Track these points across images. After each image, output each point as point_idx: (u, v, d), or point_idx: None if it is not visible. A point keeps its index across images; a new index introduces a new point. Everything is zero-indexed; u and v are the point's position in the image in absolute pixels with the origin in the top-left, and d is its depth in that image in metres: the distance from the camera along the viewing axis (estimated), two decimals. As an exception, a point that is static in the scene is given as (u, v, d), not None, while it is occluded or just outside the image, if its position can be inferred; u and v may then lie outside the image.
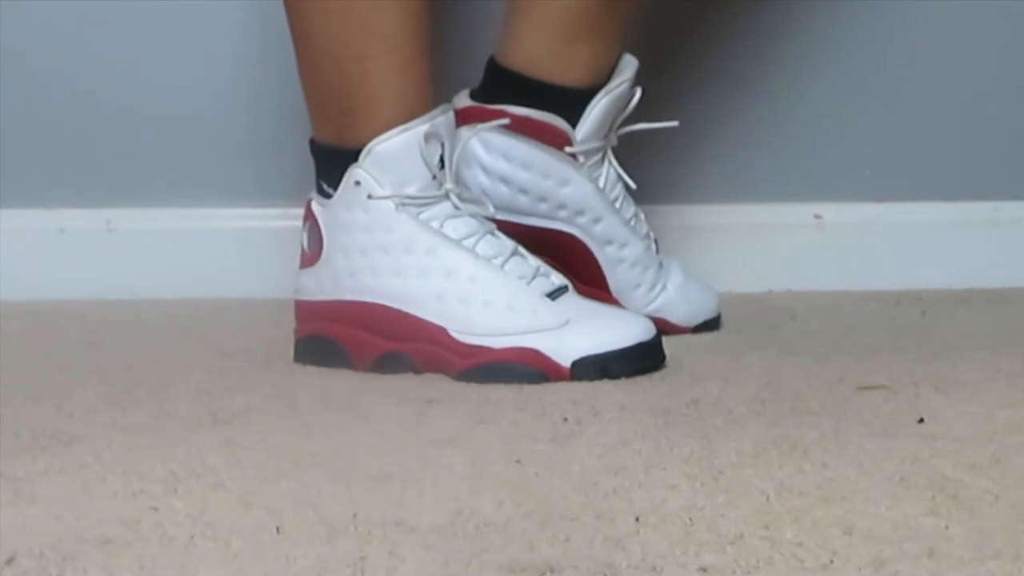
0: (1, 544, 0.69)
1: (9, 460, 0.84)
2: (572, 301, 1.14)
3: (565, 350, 1.10)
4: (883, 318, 1.37)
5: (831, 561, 0.67)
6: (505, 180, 1.26)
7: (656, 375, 1.09)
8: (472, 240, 1.14)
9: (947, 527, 0.72)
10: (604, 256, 1.28)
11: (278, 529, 0.72)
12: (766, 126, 1.58)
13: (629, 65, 1.30)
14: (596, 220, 1.28)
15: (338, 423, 0.95)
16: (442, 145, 1.15)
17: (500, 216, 1.24)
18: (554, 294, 1.14)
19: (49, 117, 1.50)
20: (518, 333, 1.11)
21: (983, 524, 0.72)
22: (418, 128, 1.14)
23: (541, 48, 1.27)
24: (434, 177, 1.14)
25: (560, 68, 1.27)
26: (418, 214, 1.14)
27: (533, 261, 1.16)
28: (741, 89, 1.57)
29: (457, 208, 1.15)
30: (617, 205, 1.29)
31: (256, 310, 1.40)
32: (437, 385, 1.07)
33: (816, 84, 1.58)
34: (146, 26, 1.50)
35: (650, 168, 1.56)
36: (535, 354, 1.10)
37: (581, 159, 1.27)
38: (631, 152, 1.55)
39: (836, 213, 1.58)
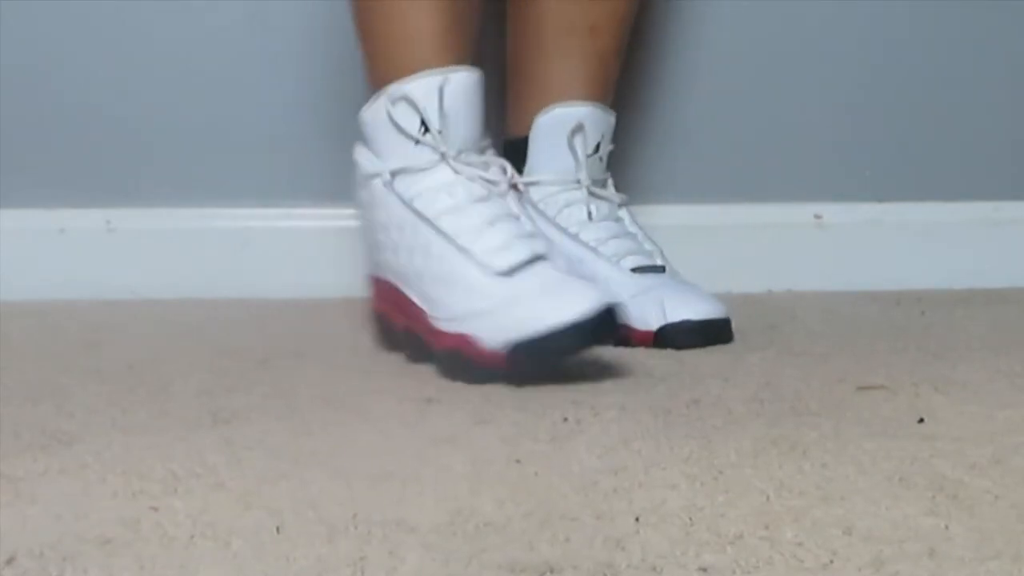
0: (1, 544, 0.69)
1: (9, 460, 0.84)
2: (533, 275, 1.08)
3: (500, 334, 1.05)
4: (883, 318, 1.37)
5: (831, 561, 0.67)
6: None
7: (656, 375, 1.09)
8: (452, 214, 1.11)
9: (947, 527, 0.72)
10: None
11: (278, 529, 0.72)
12: (766, 126, 1.58)
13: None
14: (549, 242, 1.30)
15: (338, 422, 0.95)
16: (433, 108, 1.12)
17: None
18: (517, 268, 1.08)
19: (49, 117, 1.50)
20: (456, 319, 1.08)
21: (983, 524, 0.72)
22: (382, 98, 1.13)
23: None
24: (417, 142, 1.13)
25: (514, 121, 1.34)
26: (408, 187, 1.13)
27: (527, 224, 1.12)
28: (741, 89, 1.57)
29: (456, 172, 1.13)
30: (572, 229, 1.29)
31: (256, 310, 1.40)
32: (437, 384, 1.07)
33: (816, 84, 1.58)
34: (146, 26, 1.50)
35: (650, 168, 1.56)
36: (466, 341, 1.06)
37: (521, 188, 1.31)
38: (631, 152, 1.56)
39: (836, 213, 1.58)
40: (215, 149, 1.51)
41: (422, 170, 1.13)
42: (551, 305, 1.04)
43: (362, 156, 1.16)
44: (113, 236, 1.50)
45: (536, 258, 1.09)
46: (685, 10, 1.55)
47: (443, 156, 1.13)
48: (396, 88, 1.13)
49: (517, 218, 1.13)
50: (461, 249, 1.09)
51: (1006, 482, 0.80)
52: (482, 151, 1.15)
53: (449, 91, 1.12)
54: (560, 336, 1.03)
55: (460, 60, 1.15)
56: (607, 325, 1.05)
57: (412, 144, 1.13)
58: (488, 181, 1.13)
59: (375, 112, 1.14)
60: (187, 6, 1.50)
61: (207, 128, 1.51)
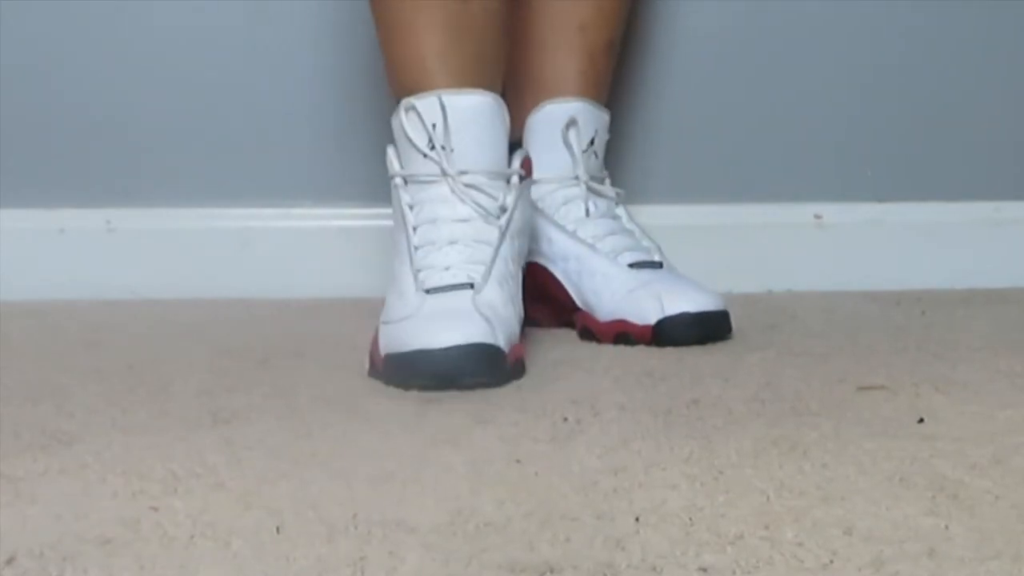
0: (1, 544, 0.69)
1: (9, 460, 0.84)
2: (445, 299, 1.09)
3: (387, 344, 1.07)
4: (883, 318, 1.37)
5: (831, 561, 0.67)
6: None
7: (656, 375, 1.09)
8: (427, 225, 1.13)
9: (947, 527, 0.72)
10: (566, 274, 1.29)
11: (278, 529, 0.71)
12: (766, 126, 1.58)
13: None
14: (548, 240, 1.30)
15: (338, 423, 0.95)
16: (439, 125, 1.14)
17: None
18: (441, 289, 1.10)
19: (49, 117, 1.50)
20: (388, 323, 1.10)
21: (983, 524, 0.72)
22: (399, 107, 1.16)
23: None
24: (424, 156, 1.15)
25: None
26: (412, 194, 1.16)
27: (486, 253, 1.12)
28: (741, 89, 1.57)
29: (453, 192, 1.14)
30: (570, 227, 1.30)
31: (256, 310, 1.40)
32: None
33: (816, 84, 1.58)
34: (146, 26, 1.50)
35: (650, 168, 1.56)
36: (375, 345, 1.09)
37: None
38: (631, 152, 1.56)
39: (836, 213, 1.58)
40: (215, 149, 1.51)
41: (426, 182, 1.15)
42: (426, 329, 1.05)
43: (389, 155, 1.18)
44: (113, 236, 1.50)
45: (467, 285, 1.10)
46: (685, 10, 1.55)
47: (444, 173, 1.15)
48: (407, 101, 1.15)
49: (486, 245, 1.13)
50: (411, 259, 1.13)
51: (1006, 482, 0.80)
52: (505, 178, 1.16)
53: (452, 110, 1.14)
54: (416, 359, 1.03)
55: (471, 82, 1.16)
56: (483, 365, 1.04)
57: (421, 156, 1.15)
58: (479, 206, 1.14)
59: (395, 119, 1.17)
60: (187, 6, 1.50)
61: (207, 128, 1.51)
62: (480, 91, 1.15)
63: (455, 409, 0.98)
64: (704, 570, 0.66)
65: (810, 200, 1.58)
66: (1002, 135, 1.60)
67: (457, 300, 1.09)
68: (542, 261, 1.30)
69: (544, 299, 1.31)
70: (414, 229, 1.14)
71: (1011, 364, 1.12)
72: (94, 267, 1.49)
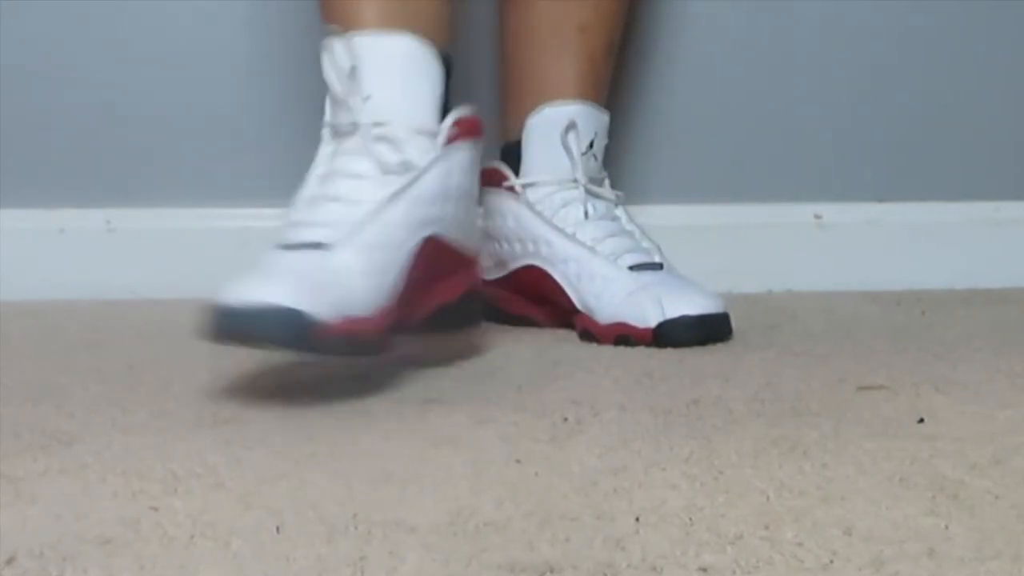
0: (1, 544, 0.69)
1: (9, 460, 0.84)
2: (277, 255, 1.01)
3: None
4: (883, 318, 1.37)
5: (831, 561, 0.67)
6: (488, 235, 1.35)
7: (656, 375, 1.09)
8: (317, 179, 1.07)
9: (947, 527, 0.72)
10: (566, 277, 1.29)
11: (278, 529, 0.71)
12: (766, 126, 1.58)
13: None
14: (547, 243, 1.30)
15: (338, 422, 0.95)
16: (350, 69, 1.05)
17: (498, 273, 1.34)
18: (290, 246, 1.02)
19: (49, 117, 1.50)
20: None
21: (983, 524, 0.72)
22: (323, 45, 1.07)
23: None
24: (338, 103, 1.07)
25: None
26: (336, 145, 1.08)
27: (337, 213, 1.04)
28: (741, 89, 1.57)
29: (362, 145, 1.06)
30: (569, 229, 1.30)
31: (256, 310, 1.40)
32: (437, 385, 1.07)
33: (816, 84, 1.58)
34: (146, 26, 1.50)
35: (650, 168, 1.56)
36: None
37: (518, 190, 1.33)
38: (630, 153, 1.56)
39: (836, 213, 1.58)
40: (215, 149, 1.51)
41: (344, 133, 1.07)
42: (234, 285, 0.97)
43: (326, 102, 1.09)
44: (113, 236, 1.50)
45: (315, 245, 1.01)
46: (685, 9, 1.55)
47: (355, 123, 1.06)
48: (326, 41, 1.06)
49: (368, 204, 1.03)
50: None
51: (1006, 482, 0.80)
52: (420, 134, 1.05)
53: (368, 53, 1.05)
54: (212, 313, 0.96)
55: (397, 24, 1.06)
56: (270, 328, 0.94)
57: (338, 104, 1.07)
58: (381, 163, 1.04)
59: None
60: (187, 6, 1.50)
61: (207, 128, 1.51)
62: (401, 33, 1.07)
63: (455, 409, 0.98)
64: (704, 570, 0.66)
65: (810, 200, 1.58)
66: (1002, 135, 1.60)
67: (296, 260, 0.99)
68: (541, 264, 1.30)
69: (543, 301, 1.31)
70: (306, 181, 1.05)
71: (1011, 364, 1.12)
72: (94, 267, 1.49)
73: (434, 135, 1.08)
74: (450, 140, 1.08)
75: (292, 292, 0.94)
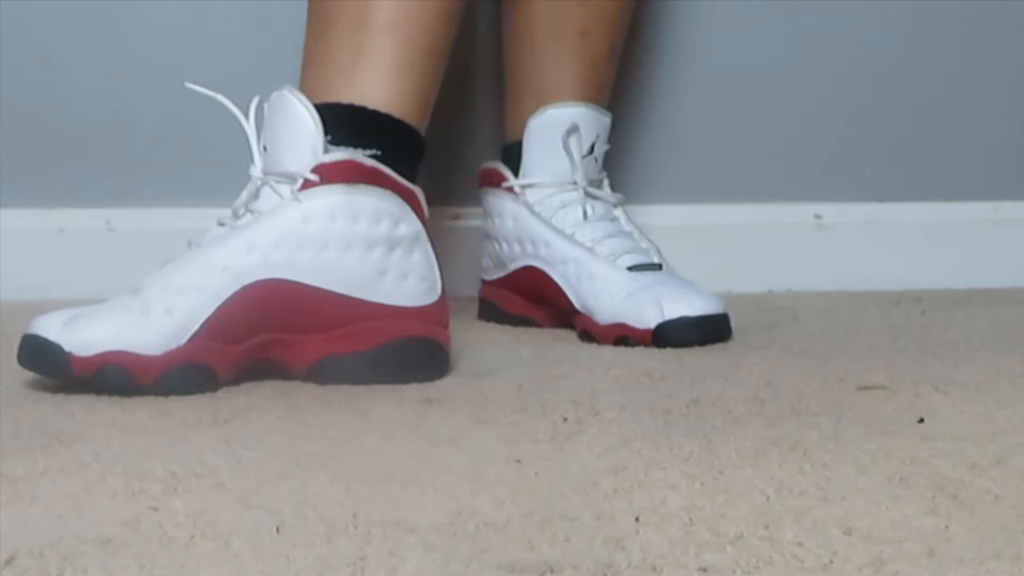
0: (1, 544, 0.69)
1: (9, 460, 0.84)
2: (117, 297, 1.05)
3: None
4: (883, 318, 1.37)
5: (831, 561, 0.67)
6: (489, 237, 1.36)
7: (656, 375, 1.09)
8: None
9: (947, 527, 0.72)
10: (565, 278, 1.29)
11: (278, 529, 0.71)
12: (766, 126, 1.58)
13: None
14: (546, 244, 1.30)
15: (338, 423, 0.95)
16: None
17: (497, 273, 1.34)
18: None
19: (49, 117, 1.50)
20: None
21: (983, 524, 0.72)
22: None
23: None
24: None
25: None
26: None
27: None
28: (741, 89, 1.57)
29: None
30: (568, 230, 1.30)
31: (256, 310, 1.40)
32: (437, 385, 1.07)
33: (816, 84, 1.58)
34: (146, 26, 1.50)
35: (650, 168, 1.56)
36: None
37: (517, 191, 1.33)
38: (631, 153, 1.56)
39: (836, 213, 1.58)
40: (215, 149, 1.51)
41: None
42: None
43: None
44: (113, 236, 1.50)
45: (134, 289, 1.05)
46: (685, 10, 1.55)
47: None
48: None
49: (194, 247, 1.07)
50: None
51: (1006, 482, 0.80)
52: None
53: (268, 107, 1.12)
54: (21, 341, 1.04)
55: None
56: (32, 357, 1.03)
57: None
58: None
59: None
60: (187, 6, 1.50)
61: (207, 128, 1.51)
62: (290, 91, 1.10)
63: (455, 409, 0.98)
64: (704, 570, 0.66)
65: (810, 200, 1.58)
66: (1001, 135, 1.61)
67: (116, 300, 1.05)
68: (540, 264, 1.30)
69: (543, 302, 1.31)
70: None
71: (1011, 364, 1.12)
72: (94, 267, 1.49)
73: (290, 178, 1.07)
74: (307, 186, 1.06)
75: (50, 326, 1.02)
